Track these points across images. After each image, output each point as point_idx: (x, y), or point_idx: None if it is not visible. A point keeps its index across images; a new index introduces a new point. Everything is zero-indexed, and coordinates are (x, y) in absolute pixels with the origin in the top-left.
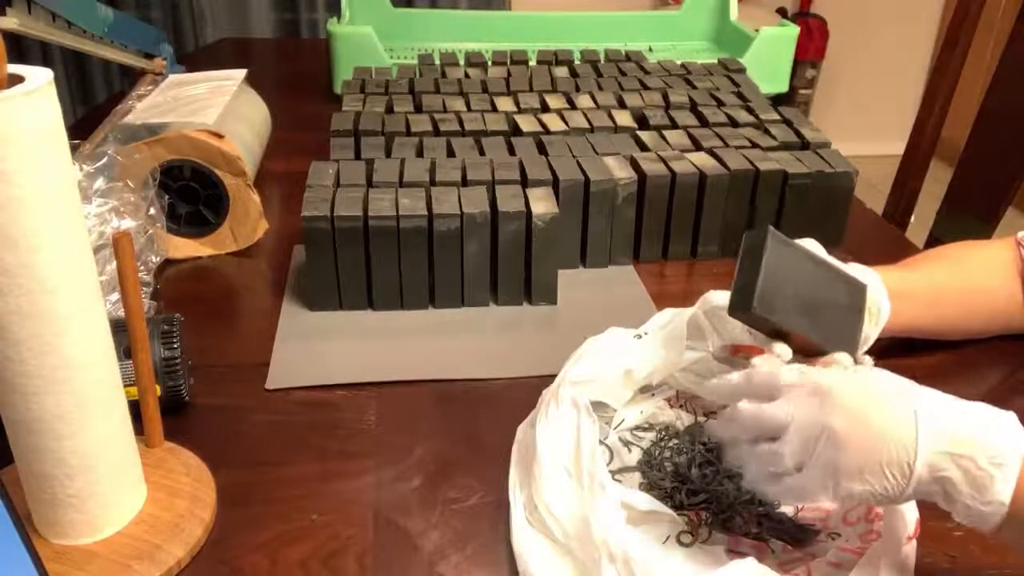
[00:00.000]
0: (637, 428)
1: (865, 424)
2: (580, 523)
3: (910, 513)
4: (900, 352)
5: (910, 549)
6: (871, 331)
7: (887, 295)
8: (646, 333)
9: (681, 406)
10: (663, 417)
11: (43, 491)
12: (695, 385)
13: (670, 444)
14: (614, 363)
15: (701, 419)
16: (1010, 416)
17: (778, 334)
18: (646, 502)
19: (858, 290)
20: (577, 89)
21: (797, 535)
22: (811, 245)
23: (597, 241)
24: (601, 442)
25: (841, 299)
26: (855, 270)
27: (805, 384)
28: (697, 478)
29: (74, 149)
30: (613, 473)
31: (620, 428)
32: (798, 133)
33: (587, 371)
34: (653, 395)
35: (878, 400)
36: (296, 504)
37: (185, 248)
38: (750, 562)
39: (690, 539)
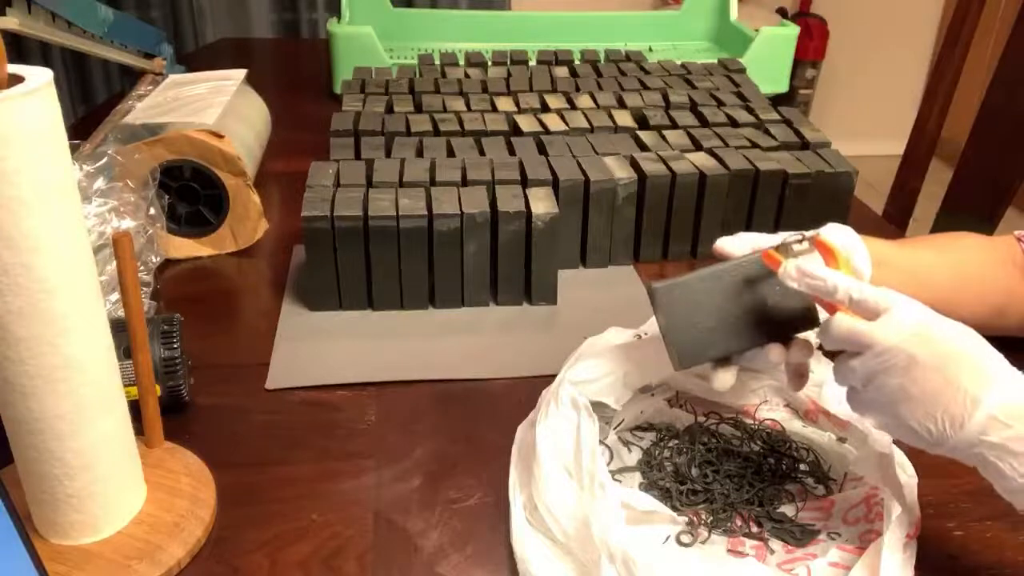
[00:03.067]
0: (637, 428)
1: (940, 366)
2: (580, 523)
3: (910, 513)
4: None
5: (910, 549)
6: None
7: (869, 259)
8: (646, 333)
9: (681, 406)
10: (663, 417)
11: (43, 491)
12: (695, 386)
13: (670, 444)
14: (614, 363)
15: (701, 419)
16: None
17: (723, 360)
18: (646, 502)
19: (754, 263)
20: (577, 89)
21: (797, 535)
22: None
23: (597, 241)
24: (601, 442)
25: (756, 293)
26: (832, 229)
27: (906, 314)
28: (697, 478)
29: (74, 149)
30: (613, 473)
31: (620, 428)
32: (798, 133)
33: (587, 371)
34: (653, 395)
35: (962, 350)
36: (296, 504)
37: (185, 248)
38: (750, 562)
39: (690, 539)
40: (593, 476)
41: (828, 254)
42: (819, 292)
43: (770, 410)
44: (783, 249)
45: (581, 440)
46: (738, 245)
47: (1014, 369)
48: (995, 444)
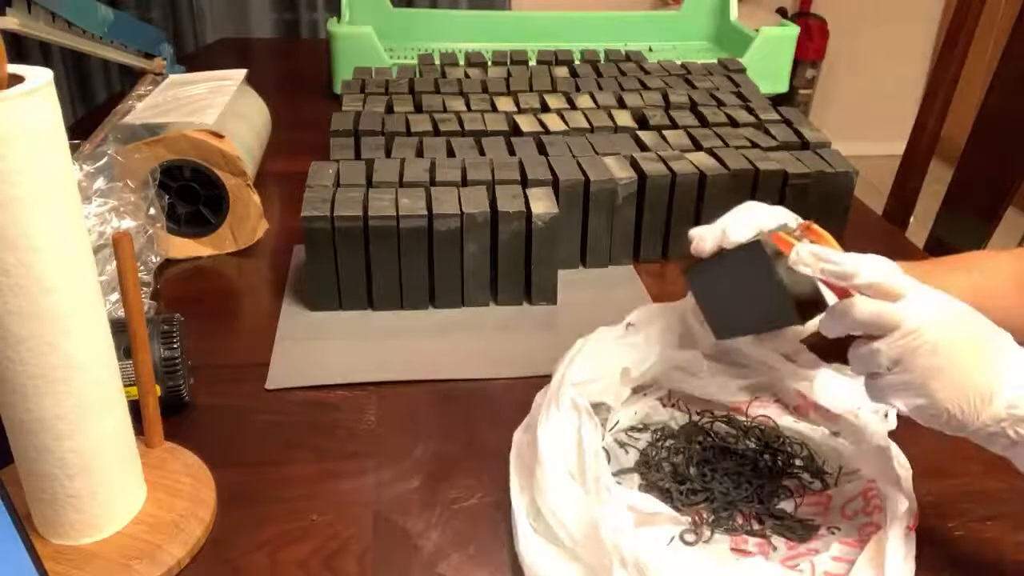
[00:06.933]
0: (632, 429)
1: (966, 345)
2: (587, 527)
3: (909, 505)
4: None
5: (910, 540)
6: None
7: None
8: (632, 324)
9: (674, 405)
10: (657, 417)
11: (43, 491)
12: (688, 384)
13: (666, 444)
14: (610, 361)
15: (695, 418)
16: None
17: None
18: (651, 504)
19: (754, 249)
20: (577, 89)
21: (798, 531)
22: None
23: (597, 241)
24: None
25: (750, 276)
26: (876, 261)
27: (925, 295)
28: (696, 477)
29: (74, 149)
30: (612, 476)
31: (615, 430)
32: (798, 133)
33: (585, 371)
34: (646, 395)
35: (984, 331)
36: (296, 504)
37: (185, 248)
38: (758, 560)
39: (693, 539)
40: (599, 479)
41: (820, 242)
42: (836, 276)
43: (761, 406)
44: (789, 232)
45: (583, 443)
46: (744, 233)
47: (1021, 348)
48: (1020, 418)
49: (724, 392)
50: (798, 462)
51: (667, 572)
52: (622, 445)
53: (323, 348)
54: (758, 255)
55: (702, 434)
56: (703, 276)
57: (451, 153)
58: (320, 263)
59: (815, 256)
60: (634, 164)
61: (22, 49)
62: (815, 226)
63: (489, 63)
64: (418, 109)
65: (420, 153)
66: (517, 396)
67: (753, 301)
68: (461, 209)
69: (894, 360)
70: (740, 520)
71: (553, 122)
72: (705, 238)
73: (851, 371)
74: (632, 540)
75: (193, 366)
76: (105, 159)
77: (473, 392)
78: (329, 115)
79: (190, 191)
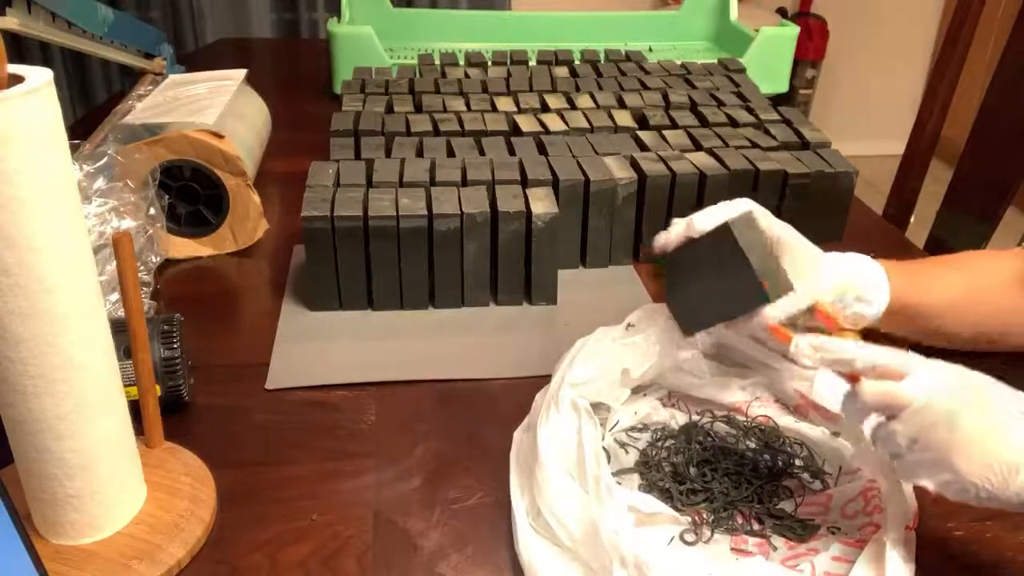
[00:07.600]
0: (632, 429)
1: (980, 413)
2: (588, 527)
3: (909, 505)
4: None
5: (910, 540)
6: (865, 310)
7: (887, 294)
8: (633, 324)
9: (674, 405)
10: (657, 417)
11: (43, 491)
12: (688, 384)
13: (666, 444)
14: (610, 361)
15: (695, 418)
16: None
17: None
18: (651, 504)
19: (722, 233)
20: (577, 89)
21: (798, 531)
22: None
23: (597, 241)
24: None
25: (718, 262)
26: (857, 260)
27: (930, 369)
28: (696, 477)
29: (74, 149)
30: (612, 476)
31: (615, 430)
32: (798, 133)
33: (584, 372)
34: (645, 395)
35: (994, 395)
36: (296, 504)
37: (185, 248)
38: (758, 560)
39: (693, 539)
40: (599, 480)
41: (829, 320)
42: (838, 365)
43: (761, 406)
44: (789, 321)
45: (584, 444)
46: (709, 223)
47: None
48: None
49: (724, 392)
50: (798, 462)
51: (667, 572)
52: (622, 445)
53: (323, 348)
54: (726, 238)
55: (702, 434)
56: (671, 272)
57: (451, 153)
58: (320, 263)
59: (814, 348)
60: (634, 164)
61: (22, 49)
62: (824, 307)
63: (489, 63)
64: (418, 109)
65: (420, 153)
66: (517, 396)
67: (722, 286)
68: (461, 209)
69: (912, 439)
70: (740, 520)
71: (553, 122)
72: (670, 231)
73: (878, 453)
74: (632, 540)
75: (193, 366)
76: (105, 159)
77: (473, 392)
78: (329, 115)
79: (190, 191)
